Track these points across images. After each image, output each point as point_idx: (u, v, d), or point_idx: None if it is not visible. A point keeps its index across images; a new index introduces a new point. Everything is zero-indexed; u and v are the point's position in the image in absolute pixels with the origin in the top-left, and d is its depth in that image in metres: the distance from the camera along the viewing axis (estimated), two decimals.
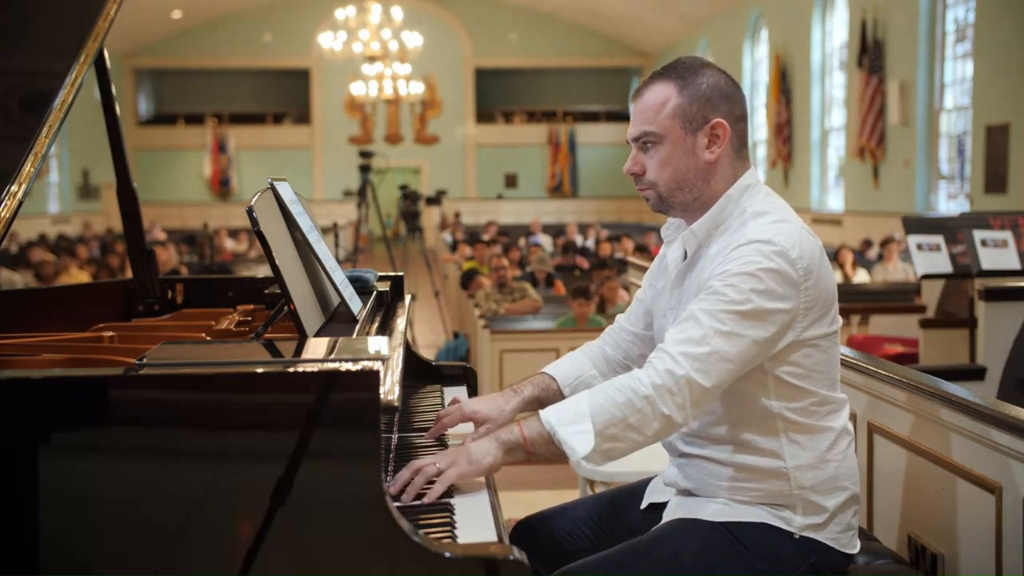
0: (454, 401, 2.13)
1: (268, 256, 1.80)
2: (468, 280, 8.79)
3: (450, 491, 1.81)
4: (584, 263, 11.36)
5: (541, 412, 1.82)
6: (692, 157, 1.88)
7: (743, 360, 1.77)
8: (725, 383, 1.78)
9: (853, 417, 2.53)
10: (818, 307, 1.83)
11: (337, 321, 2.07)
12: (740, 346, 1.76)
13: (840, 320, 1.92)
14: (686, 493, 1.97)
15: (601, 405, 1.76)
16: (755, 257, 1.78)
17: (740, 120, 1.91)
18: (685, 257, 1.99)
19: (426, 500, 1.73)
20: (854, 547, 1.93)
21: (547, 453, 1.79)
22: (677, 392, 1.74)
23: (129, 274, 2.90)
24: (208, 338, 2.17)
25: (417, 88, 21.88)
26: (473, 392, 2.56)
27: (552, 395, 2.10)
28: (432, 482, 1.76)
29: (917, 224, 5.02)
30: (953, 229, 4.84)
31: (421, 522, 1.64)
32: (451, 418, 2.05)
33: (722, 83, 1.89)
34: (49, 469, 1.42)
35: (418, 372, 2.65)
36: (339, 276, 2.15)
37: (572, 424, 1.77)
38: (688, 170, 1.89)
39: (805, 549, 1.86)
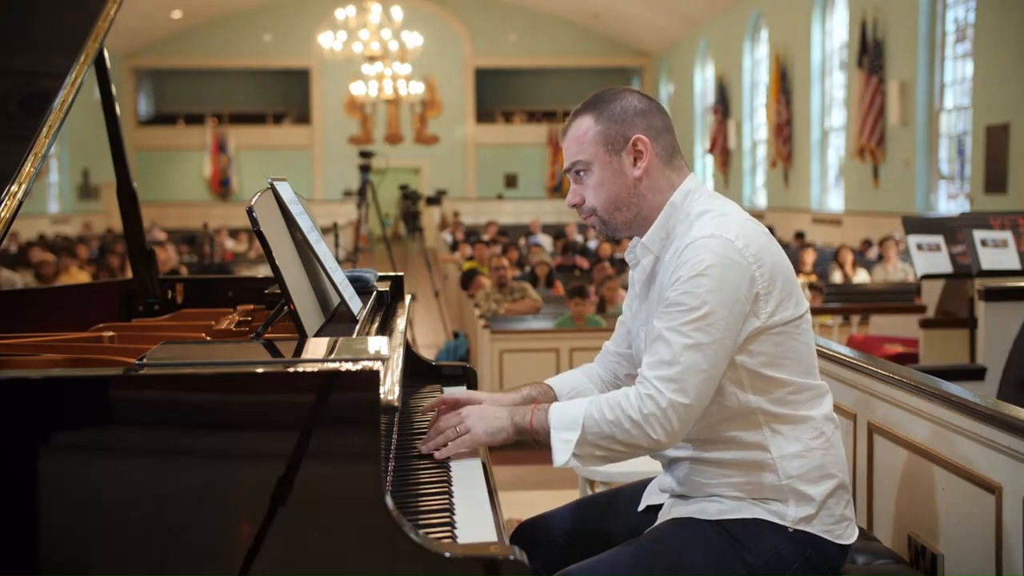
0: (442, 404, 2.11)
1: (268, 256, 1.80)
2: (468, 280, 8.79)
3: (450, 488, 1.81)
4: (584, 263, 11.36)
5: (551, 407, 1.91)
6: (621, 176, 1.95)
7: (717, 364, 1.82)
8: (707, 392, 1.82)
9: (853, 418, 2.53)
10: (778, 290, 1.85)
11: (337, 321, 2.07)
12: (710, 353, 1.80)
13: (807, 304, 1.93)
14: (680, 497, 1.99)
15: (595, 419, 1.84)
16: (701, 255, 1.82)
17: (662, 133, 1.97)
18: None
19: (439, 456, 1.94)
20: (849, 537, 1.94)
21: (547, 445, 1.89)
22: (663, 418, 1.80)
23: (129, 274, 2.90)
24: (208, 338, 2.17)
25: (417, 88, 21.88)
26: None
27: (549, 401, 2.11)
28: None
29: (917, 224, 5.02)
30: (953, 229, 4.84)
31: (421, 522, 1.64)
32: (451, 397, 2.08)
33: (635, 102, 1.97)
34: (49, 469, 1.42)
35: (418, 372, 2.65)
36: (339, 276, 2.16)
37: (565, 430, 1.86)
38: (621, 189, 1.96)
39: (800, 543, 1.87)
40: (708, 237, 1.83)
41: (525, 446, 1.99)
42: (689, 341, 1.79)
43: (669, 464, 2.01)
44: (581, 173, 1.98)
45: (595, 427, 1.83)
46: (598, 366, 2.26)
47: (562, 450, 1.85)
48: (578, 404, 1.89)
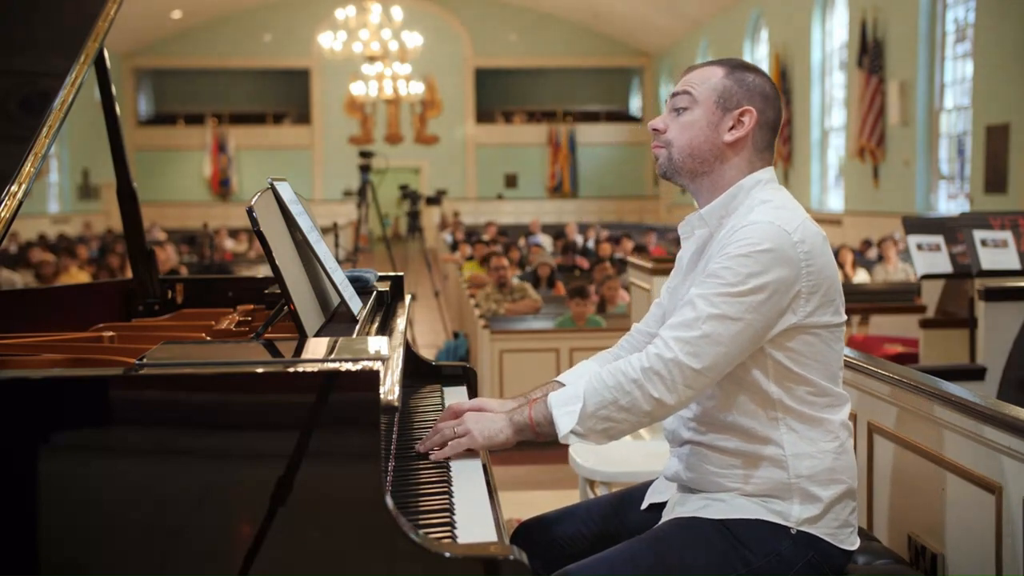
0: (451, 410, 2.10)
1: (268, 256, 1.80)
2: (486, 261, 9.01)
3: (450, 488, 1.81)
4: (584, 263, 11.35)
5: (549, 395, 1.91)
6: (713, 132, 1.94)
7: (738, 343, 1.80)
8: (720, 366, 1.81)
9: (853, 417, 2.53)
10: (822, 292, 1.85)
11: (337, 321, 2.07)
12: (733, 329, 1.79)
13: (844, 317, 1.93)
14: (686, 489, 1.98)
15: (595, 388, 1.84)
16: (754, 238, 1.81)
17: (770, 125, 1.97)
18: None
19: (435, 457, 1.93)
20: (852, 544, 1.93)
21: (551, 434, 1.88)
22: (666, 375, 1.79)
23: (129, 274, 2.90)
24: (208, 338, 2.17)
25: (417, 88, 21.87)
26: (473, 392, 2.56)
27: None
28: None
29: (917, 224, 5.01)
30: (953, 229, 4.84)
31: (421, 522, 1.64)
32: (459, 406, 2.06)
33: (767, 87, 1.97)
34: (49, 469, 1.42)
35: (418, 372, 2.65)
36: (339, 276, 2.15)
37: (566, 405, 1.86)
38: (705, 141, 1.94)
39: (802, 545, 1.87)
40: (767, 223, 1.82)
41: (526, 445, 1.99)
42: (716, 311, 1.79)
43: (680, 445, 1.99)
44: (680, 109, 1.96)
45: (596, 396, 1.83)
46: (621, 350, 2.23)
47: (566, 423, 1.84)
48: (579, 383, 1.90)
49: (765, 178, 1.96)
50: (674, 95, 1.99)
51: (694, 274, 1.98)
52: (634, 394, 1.80)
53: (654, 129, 2.00)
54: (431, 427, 2.10)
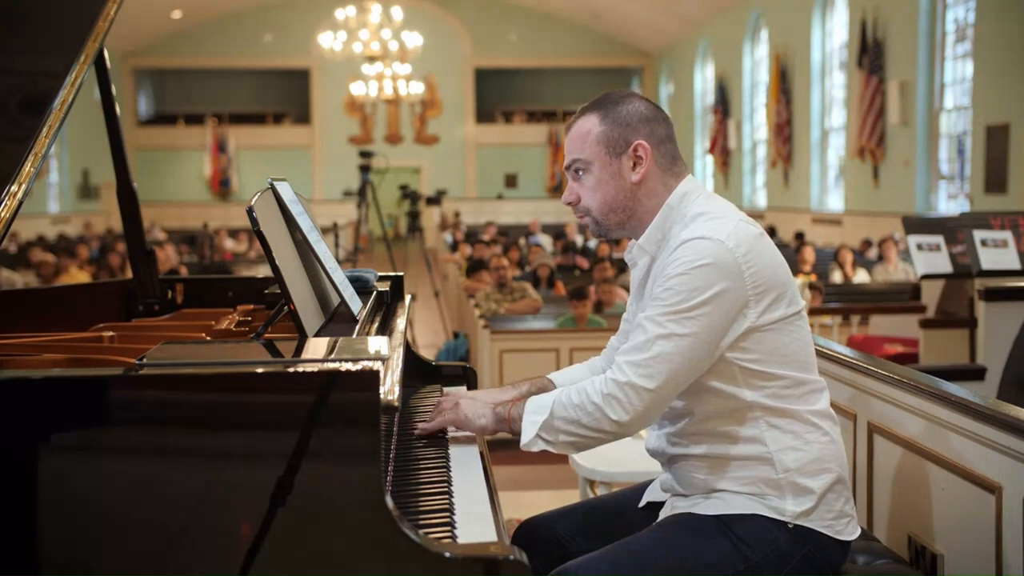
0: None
1: (268, 256, 1.80)
2: (473, 270, 8.88)
3: (450, 488, 1.82)
4: (584, 263, 11.35)
5: (530, 398, 1.98)
6: (619, 179, 1.98)
7: (689, 358, 1.83)
8: (675, 381, 1.84)
9: (853, 418, 2.54)
10: (772, 290, 1.87)
11: (337, 321, 2.08)
12: (682, 344, 1.82)
13: (803, 302, 1.95)
14: (682, 496, 2.00)
15: (563, 403, 1.91)
16: (690, 256, 1.84)
17: (664, 141, 1.99)
18: None
19: (420, 429, 2.14)
20: (851, 533, 1.95)
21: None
22: (624, 399, 1.83)
23: (129, 274, 2.90)
24: (208, 338, 2.17)
25: (417, 88, 21.88)
26: None
27: None
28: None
29: (917, 224, 5.02)
30: (953, 229, 4.84)
31: (421, 522, 1.65)
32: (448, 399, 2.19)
33: (642, 109, 1.99)
34: (49, 469, 1.42)
35: (418, 372, 2.65)
36: (339, 276, 2.16)
37: (535, 413, 1.93)
38: (617, 192, 1.98)
39: (799, 538, 1.88)
40: (699, 239, 1.85)
41: None
42: (663, 331, 1.82)
43: (668, 462, 2.02)
44: (580, 172, 2.00)
45: (562, 411, 1.89)
46: (603, 361, 2.28)
47: (528, 431, 1.92)
48: (554, 392, 1.96)
49: (689, 189, 1.99)
50: (567, 167, 2.03)
51: (643, 302, 2.01)
52: (596, 415, 1.85)
53: (569, 203, 2.04)
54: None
